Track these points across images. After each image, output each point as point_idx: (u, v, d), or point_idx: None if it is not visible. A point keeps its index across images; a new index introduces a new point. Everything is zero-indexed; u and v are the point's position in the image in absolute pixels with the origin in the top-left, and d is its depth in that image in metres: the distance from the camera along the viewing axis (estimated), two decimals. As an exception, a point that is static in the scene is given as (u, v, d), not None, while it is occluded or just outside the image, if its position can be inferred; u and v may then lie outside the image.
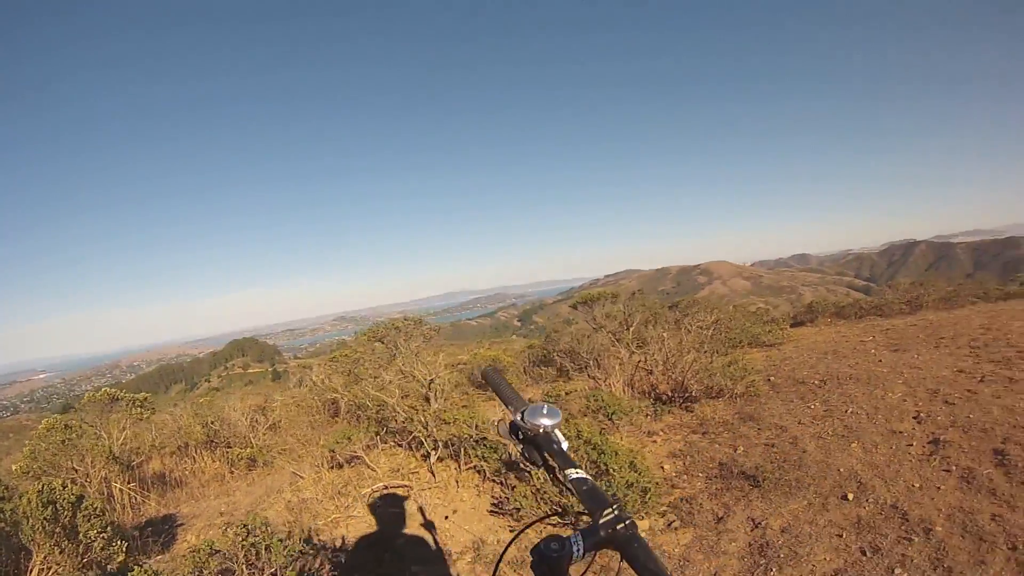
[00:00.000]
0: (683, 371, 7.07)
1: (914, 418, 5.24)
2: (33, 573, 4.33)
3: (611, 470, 4.22)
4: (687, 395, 6.98)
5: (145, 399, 8.02)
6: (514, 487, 4.67)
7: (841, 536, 3.59)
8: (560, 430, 1.38)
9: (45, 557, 4.37)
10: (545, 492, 4.34)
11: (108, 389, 7.80)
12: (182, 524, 5.84)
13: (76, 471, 6.28)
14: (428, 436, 5.59)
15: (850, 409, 5.74)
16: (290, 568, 3.22)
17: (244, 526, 3.36)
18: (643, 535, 3.60)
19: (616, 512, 1.06)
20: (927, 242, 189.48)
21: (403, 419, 5.87)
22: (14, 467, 6.79)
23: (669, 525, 4.20)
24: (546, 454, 1.35)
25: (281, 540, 3.31)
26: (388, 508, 5.05)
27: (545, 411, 1.36)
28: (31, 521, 4.29)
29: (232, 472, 7.32)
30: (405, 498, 5.16)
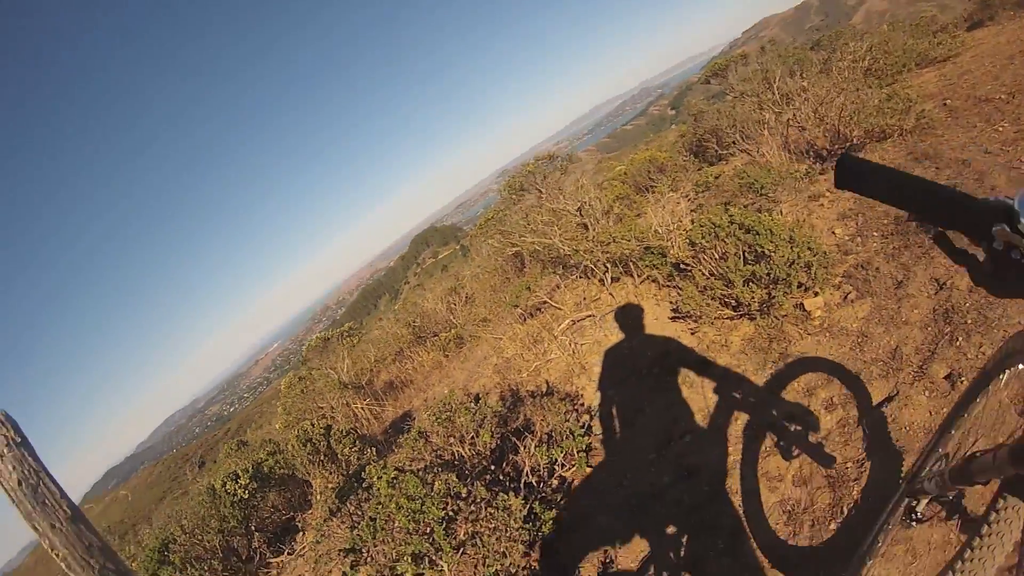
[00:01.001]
0: (837, 117, 6.51)
1: None
2: (316, 496, 5.70)
3: (767, 252, 4.07)
4: (849, 144, 6.45)
5: (349, 328, 9.37)
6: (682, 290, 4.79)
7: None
8: None
9: (320, 482, 5.69)
10: (712, 288, 4.42)
11: (318, 336, 9.15)
12: (415, 417, 6.88)
13: (323, 408, 7.86)
14: (596, 261, 5.83)
15: (1047, 125, 5.02)
16: (483, 429, 3.68)
17: (441, 402, 3.93)
18: (819, 313, 3.64)
19: None
20: None
21: (570, 253, 6.10)
22: (277, 425, 8.49)
23: (845, 298, 4.14)
24: None
25: (468, 408, 3.81)
26: (579, 340, 5.53)
27: None
28: (300, 459, 5.61)
29: (447, 356, 8.26)
30: (591, 326, 5.59)
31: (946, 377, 3.01)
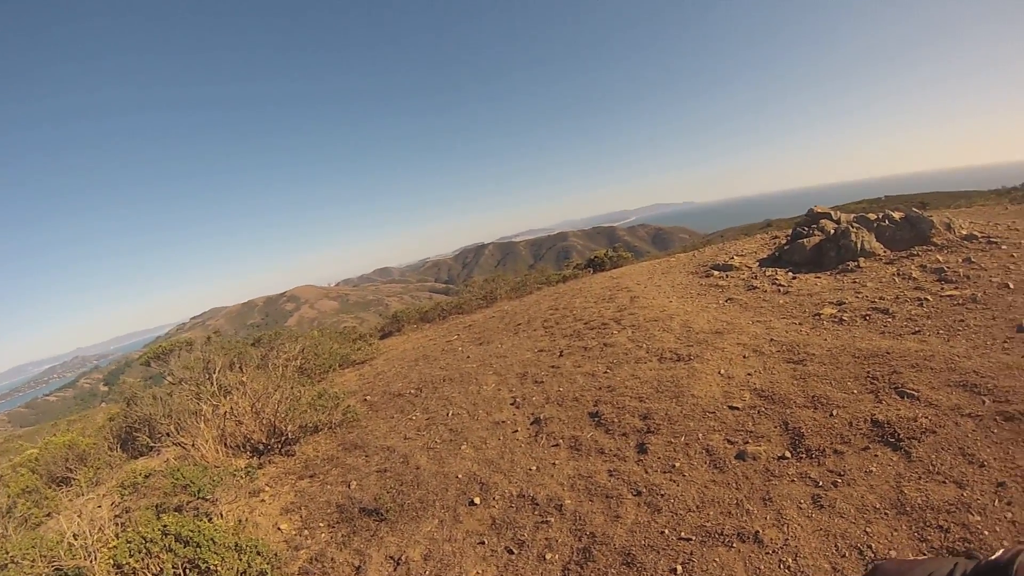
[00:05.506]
0: (273, 413, 6.58)
1: (512, 404, 5.83)
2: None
3: (212, 566, 3.53)
4: (284, 438, 6.49)
5: None
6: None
7: (484, 543, 3.69)
8: None
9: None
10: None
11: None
12: None
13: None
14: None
15: (451, 411, 6.10)
16: None
17: None
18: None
19: None
20: (494, 243, 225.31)
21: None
22: None
23: (306, 598, 3.76)
24: None
25: None
26: None
27: None
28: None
29: None
30: None
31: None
